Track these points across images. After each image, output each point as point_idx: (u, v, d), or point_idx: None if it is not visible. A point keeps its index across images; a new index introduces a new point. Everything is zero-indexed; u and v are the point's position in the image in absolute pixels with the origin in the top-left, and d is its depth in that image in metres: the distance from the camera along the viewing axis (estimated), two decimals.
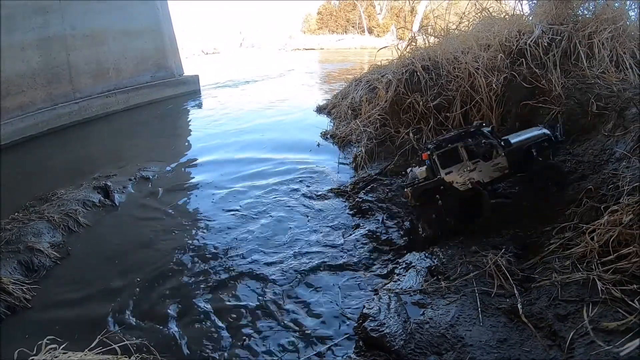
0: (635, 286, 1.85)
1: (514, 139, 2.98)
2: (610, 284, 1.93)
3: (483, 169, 2.90)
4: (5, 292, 2.81)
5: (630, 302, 1.80)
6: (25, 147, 6.18)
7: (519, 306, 2.03)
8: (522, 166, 2.92)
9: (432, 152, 2.89)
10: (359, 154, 4.55)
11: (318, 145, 5.55)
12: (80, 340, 2.27)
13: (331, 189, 4.15)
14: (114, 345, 2.12)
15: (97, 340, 2.16)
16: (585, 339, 1.76)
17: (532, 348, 1.84)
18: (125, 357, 2.08)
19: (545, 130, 3.01)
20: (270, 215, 3.73)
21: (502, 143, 2.89)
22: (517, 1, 4.51)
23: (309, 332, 2.35)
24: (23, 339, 2.43)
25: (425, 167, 2.97)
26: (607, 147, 2.79)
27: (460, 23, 4.94)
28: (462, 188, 2.90)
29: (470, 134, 2.93)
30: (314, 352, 2.20)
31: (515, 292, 2.15)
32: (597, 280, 1.96)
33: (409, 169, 3.16)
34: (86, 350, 2.14)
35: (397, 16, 21.58)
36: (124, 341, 2.13)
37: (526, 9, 4.54)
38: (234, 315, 2.55)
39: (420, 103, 4.31)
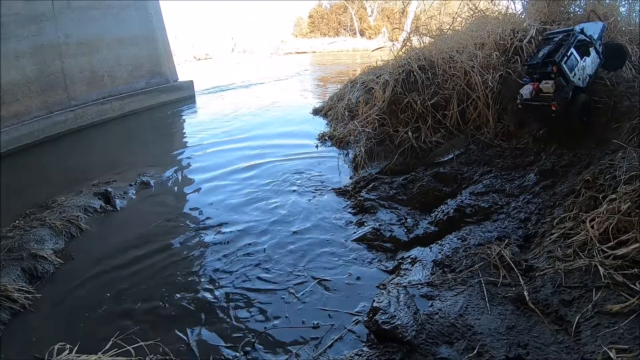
0: (636, 270, 1.92)
1: (589, 32, 3.29)
2: (612, 269, 1.99)
3: (589, 64, 3.20)
4: (10, 299, 2.80)
5: (632, 286, 1.87)
6: (21, 156, 6.15)
7: (526, 294, 2.09)
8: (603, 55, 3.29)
9: (560, 63, 3.10)
10: (359, 154, 4.61)
11: (316, 147, 5.60)
12: (90, 344, 2.27)
13: (333, 189, 4.20)
14: (128, 347, 2.15)
15: (110, 342, 2.17)
16: (590, 322, 1.82)
17: (540, 333, 1.90)
18: (140, 359, 2.09)
19: (604, 23, 3.43)
20: (274, 217, 3.76)
21: (588, 38, 3.21)
22: (509, 0, 4.65)
23: (320, 327, 2.39)
24: (30, 343, 2.43)
25: (552, 81, 3.16)
26: (603, 138, 2.89)
27: (453, 22, 5.05)
28: (582, 84, 3.20)
29: (575, 35, 3.20)
30: (327, 346, 2.24)
31: (521, 280, 2.21)
32: (599, 266, 2.03)
33: (521, 89, 3.36)
34: (100, 353, 2.15)
35: (388, 18, 21.83)
36: (139, 342, 2.14)
37: (519, 7, 4.68)
38: (245, 315, 2.58)
39: (418, 102, 4.39)
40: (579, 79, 3.18)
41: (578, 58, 3.17)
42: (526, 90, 3.29)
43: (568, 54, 3.14)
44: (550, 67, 3.14)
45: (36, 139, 6.62)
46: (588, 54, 3.20)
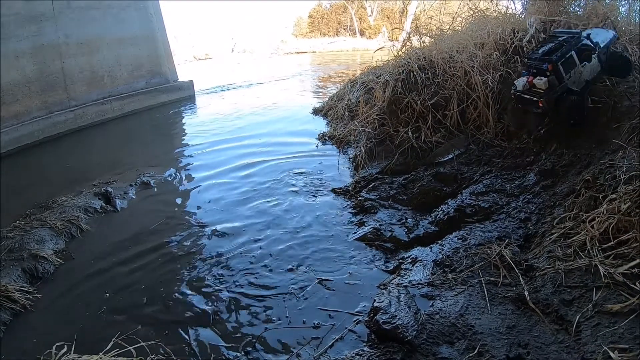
0: (636, 270, 1.93)
1: (596, 39, 3.31)
2: (612, 268, 2.00)
3: (588, 70, 3.20)
4: (11, 299, 2.80)
5: (632, 285, 1.87)
6: (21, 156, 6.14)
7: (526, 293, 2.10)
8: (606, 64, 3.30)
9: (556, 63, 3.13)
10: (359, 154, 4.61)
11: (317, 146, 5.61)
12: (91, 344, 2.28)
13: (333, 189, 4.21)
14: (129, 347, 2.15)
15: (112, 342, 2.17)
16: (591, 321, 1.83)
17: (541, 333, 1.90)
18: (142, 359, 2.10)
19: (615, 32, 3.46)
20: (274, 217, 3.77)
21: (593, 44, 3.23)
22: (509, 0, 4.66)
23: (321, 327, 2.40)
24: (32, 344, 2.43)
25: (546, 78, 3.19)
26: (603, 138, 2.89)
27: (453, 22, 5.05)
28: (576, 88, 3.21)
29: (579, 38, 3.22)
30: (328, 346, 2.24)
31: (521, 280, 2.21)
32: (599, 266, 2.03)
33: (516, 80, 3.42)
34: (101, 353, 2.16)
35: (388, 18, 21.83)
36: (140, 342, 2.15)
37: (519, 6, 4.69)
38: (246, 314, 2.58)
39: (418, 102, 4.39)
40: (574, 82, 3.19)
41: (577, 61, 3.18)
42: (520, 82, 3.33)
43: (567, 55, 3.15)
44: (546, 64, 3.17)
45: (36, 139, 6.61)
46: (589, 60, 3.20)
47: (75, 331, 2.49)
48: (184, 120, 7.97)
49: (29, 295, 2.86)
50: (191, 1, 21.16)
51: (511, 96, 3.52)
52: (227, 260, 3.17)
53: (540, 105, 3.20)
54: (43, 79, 6.87)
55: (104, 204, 4.23)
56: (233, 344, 2.35)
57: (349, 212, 3.72)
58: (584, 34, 3.31)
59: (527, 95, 3.32)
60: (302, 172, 4.71)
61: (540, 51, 3.34)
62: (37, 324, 2.64)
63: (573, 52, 3.16)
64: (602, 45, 3.27)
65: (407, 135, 4.37)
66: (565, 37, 3.31)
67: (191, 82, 10.11)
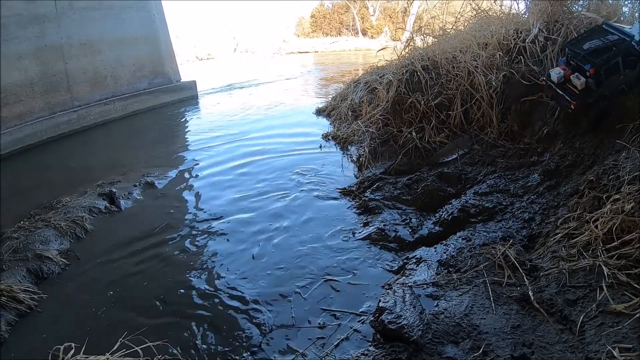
0: (639, 270, 1.94)
1: None
2: (615, 269, 2.01)
3: (628, 77, 2.97)
4: (16, 300, 2.82)
5: (635, 285, 1.88)
6: (24, 157, 6.17)
7: (530, 293, 2.11)
8: None
9: (600, 68, 2.92)
10: (363, 154, 4.62)
11: (320, 147, 5.61)
12: (97, 345, 2.29)
13: (337, 189, 4.22)
14: (136, 348, 2.16)
15: (118, 343, 2.19)
16: (595, 321, 1.84)
17: (545, 332, 1.91)
18: (149, 359, 2.11)
19: None
20: (279, 217, 3.79)
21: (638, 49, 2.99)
22: (512, 0, 4.66)
23: (326, 327, 2.41)
24: (37, 344, 2.45)
25: (585, 79, 2.99)
26: (606, 139, 2.90)
27: (456, 22, 5.05)
28: (608, 93, 3.01)
29: (629, 46, 2.94)
30: (333, 345, 2.26)
31: (526, 280, 2.22)
32: (603, 266, 2.04)
33: (552, 69, 3.21)
34: (107, 354, 2.17)
35: (390, 17, 21.82)
36: (147, 343, 2.16)
37: (522, 6, 4.69)
38: (251, 314, 2.60)
39: (422, 102, 4.40)
40: (609, 88, 2.99)
41: (621, 68, 2.95)
42: (555, 74, 3.12)
43: (613, 61, 2.91)
44: (589, 67, 2.94)
45: (39, 139, 6.64)
46: (633, 68, 2.96)
47: (81, 331, 2.51)
48: (186, 121, 7.99)
49: (34, 296, 2.88)
50: (193, 1, 21.19)
51: (542, 81, 3.33)
52: (233, 259, 3.19)
53: (573, 107, 3.04)
54: (46, 80, 6.90)
55: (108, 205, 4.25)
56: (239, 344, 2.37)
57: (354, 212, 3.74)
58: (637, 37, 3.00)
59: (559, 90, 3.11)
60: (305, 172, 4.72)
61: (585, 46, 3.07)
62: (42, 325, 2.66)
63: (620, 59, 2.92)
64: None
65: (410, 135, 4.38)
66: (616, 39, 3.01)
67: (194, 82, 10.13)
